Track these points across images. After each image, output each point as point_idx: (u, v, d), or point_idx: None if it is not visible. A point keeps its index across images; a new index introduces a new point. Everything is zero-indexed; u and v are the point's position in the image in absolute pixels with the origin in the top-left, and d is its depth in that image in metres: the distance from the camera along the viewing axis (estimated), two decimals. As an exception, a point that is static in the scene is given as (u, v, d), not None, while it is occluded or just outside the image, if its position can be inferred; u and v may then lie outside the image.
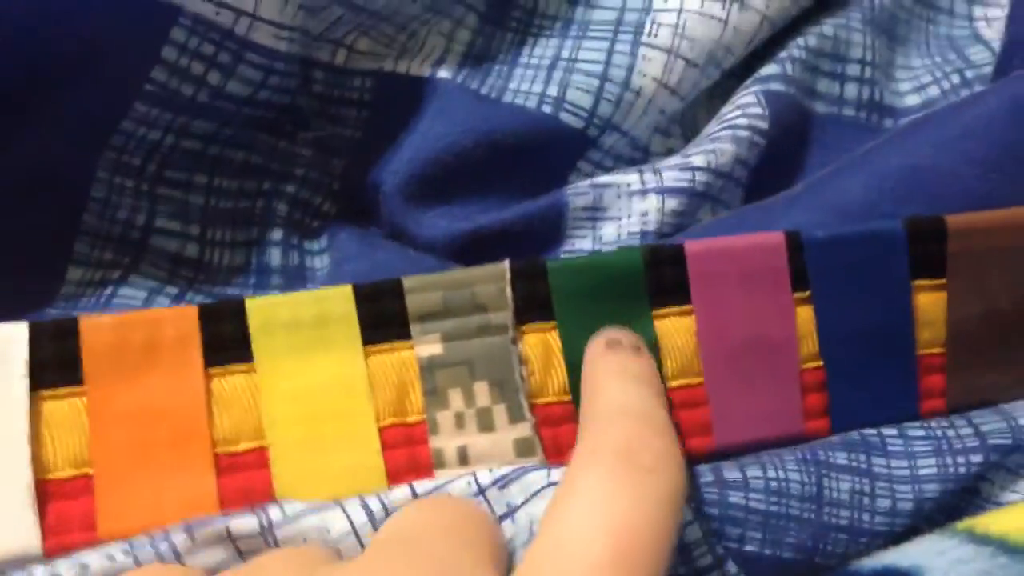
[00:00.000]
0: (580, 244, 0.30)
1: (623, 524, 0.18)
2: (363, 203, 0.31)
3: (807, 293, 0.25)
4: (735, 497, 0.24)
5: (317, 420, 0.23)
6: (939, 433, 0.26)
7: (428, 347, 0.24)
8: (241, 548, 0.22)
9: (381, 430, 0.24)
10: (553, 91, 0.31)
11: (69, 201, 0.28)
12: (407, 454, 0.24)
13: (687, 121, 0.34)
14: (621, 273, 0.25)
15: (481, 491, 0.23)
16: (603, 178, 0.31)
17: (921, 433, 0.26)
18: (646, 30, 0.32)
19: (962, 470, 0.25)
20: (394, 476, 0.24)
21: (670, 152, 0.33)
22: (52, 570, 0.21)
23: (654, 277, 0.25)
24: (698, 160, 0.30)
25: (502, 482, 0.23)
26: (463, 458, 0.24)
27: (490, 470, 0.23)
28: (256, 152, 0.31)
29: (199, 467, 0.23)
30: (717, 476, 0.24)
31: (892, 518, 0.25)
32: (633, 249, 0.25)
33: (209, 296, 0.29)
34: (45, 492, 0.22)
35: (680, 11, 0.32)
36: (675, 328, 0.25)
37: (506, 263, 0.24)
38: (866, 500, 0.24)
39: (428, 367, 0.24)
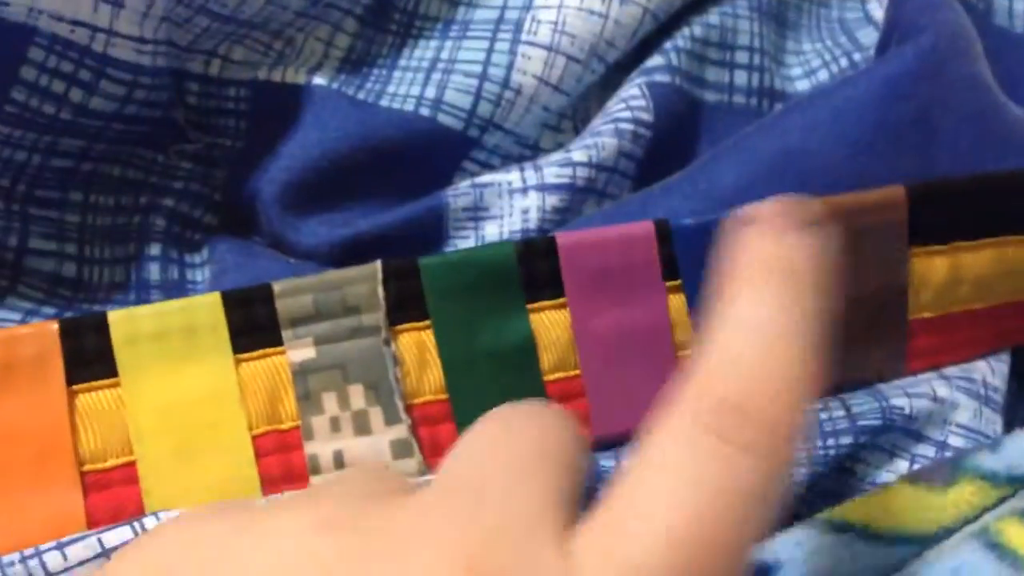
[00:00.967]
0: (463, 244, 0.31)
1: (720, 497, 0.16)
2: (244, 214, 0.32)
3: (678, 281, 0.26)
4: None
5: (187, 431, 0.24)
6: (812, 417, 0.27)
7: (300, 352, 0.25)
8: None
9: (254, 438, 0.24)
10: (431, 93, 0.32)
11: None
12: (281, 461, 0.24)
13: (579, 115, 0.35)
14: (494, 268, 0.26)
15: None
16: (484, 177, 0.32)
17: None
18: (525, 28, 0.32)
19: (831, 452, 0.26)
20: (268, 485, 0.24)
21: (561, 147, 0.34)
22: None
23: (527, 271, 0.26)
24: (579, 155, 0.31)
25: None
26: (339, 462, 0.25)
27: None
28: (133, 167, 0.31)
29: (65, 486, 0.23)
30: (591, 467, 0.25)
31: None
32: (505, 243, 0.26)
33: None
34: None
35: (560, 7, 0.32)
36: (550, 321, 0.26)
37: (377, 263, 0.25)
38: None
39: (301, 372, 0.25)
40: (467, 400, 0.25)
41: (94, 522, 0.23)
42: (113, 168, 0.31)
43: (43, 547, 0.22)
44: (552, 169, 0.31)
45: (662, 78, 0.33)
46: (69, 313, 0.29)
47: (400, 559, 0.16)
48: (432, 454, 0.25)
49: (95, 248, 0.30)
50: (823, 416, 0.27)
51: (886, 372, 0.28)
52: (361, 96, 0.32)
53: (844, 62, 0.36)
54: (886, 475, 0.27)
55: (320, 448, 0.25)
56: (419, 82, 0.32)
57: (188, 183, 0.32)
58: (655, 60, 0.34)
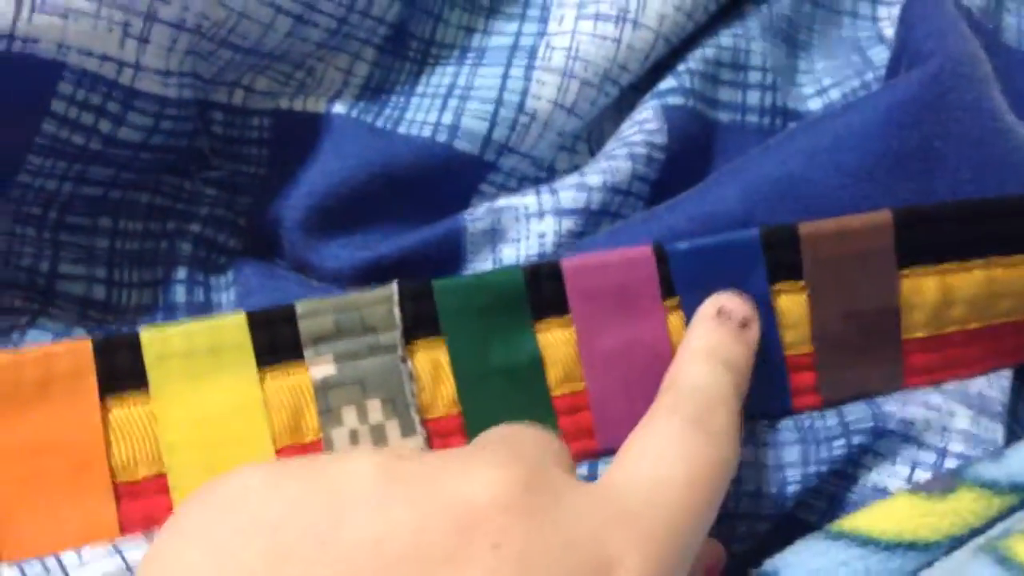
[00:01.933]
0: (481, 267, 0.33)
1: (695, 456, 0.23)
2: (268, 238, 0.34)
3: (676, 300, 0.28)
4: None
5: (215, 445, 0.26)
6: (807, 424, 0.28)
7: (322, 368, 0.27)
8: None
9: (278, 451, 0.26)
10: (448, 119, 0.33)
11: None
12: None
13: (594, 137, 0.36)
14: (504, 290, 0.28)
15: None
16: (501, 201, 0.33)
17: (790, 424, 0.28)
18: (540, 54, 0.34)
19: (824, 455, 0.28)
20: None
21: (576, 168, 0.35)
22: None
23: (535, 293, 0.28)
24: (593, 179, 0.33)
25: None
26: None
27: None
28: (160, 194, 0.33)
29: (98, 495, 0.25)
30: (592, 474, 0.27)
31: (757, 500, 0.27)
32: (514, 268, 0.28)
33: (118, 336, 0.32)
34: None
35: (573, 33, 0.34)
36: (557, 339, 0.28)
37: (394, 285, 0.27)
38: (731, 486, 0.26)
39: (322, 387, 0.27)
40: (479, 413, 0.27)
41: (126, 530, 0.25)
42: (141, 195, 0.33)
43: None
44: (568, 193, 0.33)
45: (675, 100, 0.35)
46: (99, 334, 0.31)
47: (466, 472, 0.21)
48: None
49: (124, 272, 0.33)
50: (817, 424, 0.28)
51: (884, 390, 0.29)
52: (380, 124, 0.34)
53: (856, 82, 0.38)
54: (888, 480, 0.28)
55: (340, 460, 0.26)
56: (436, 108, 0.34)
57: (213, 209, 0.34)
58: (668, 83, 0.35)
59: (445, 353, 0.27)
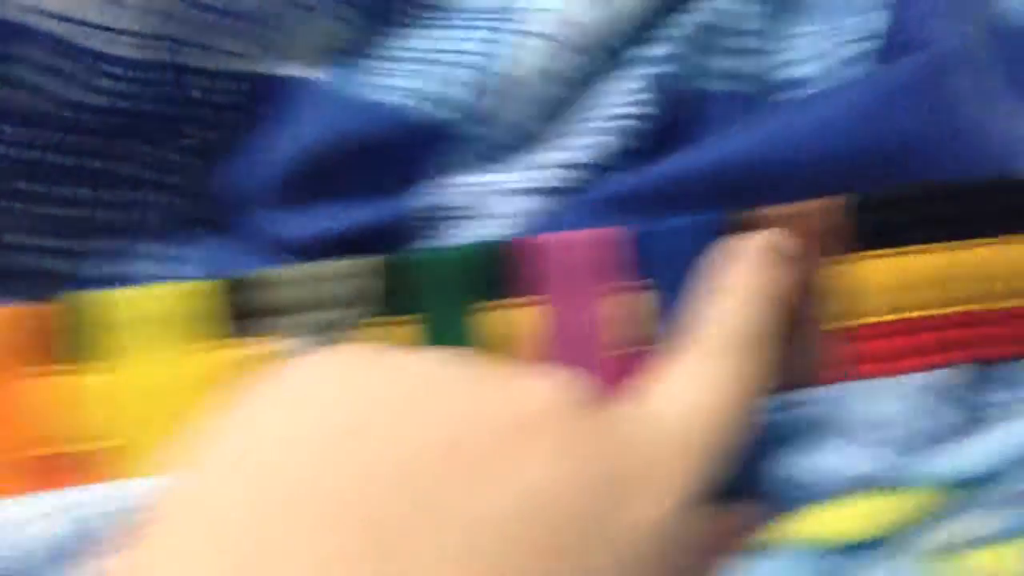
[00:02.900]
0: (455, 242, 0.32)
1: (720, 389, 0.26)
2: (237, 209, 0.34)
3: (643, 281, 0.29)
4: None
5: (177, 415, 0.26)
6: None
7: (291, 340, 0.27)
8: None
9: None
10: (424, 85, 0.33)
11: None
12: None
13: (580, 106, 0.36)
14: (470, 266, 0.28)
15: None
16: (477, 176, 0.33)
17: None
18: (527, 17, 0.34)
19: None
20: None
21: (557, 139, 0.35)
22: None
23: (501, 270, 0.28)
24: (578, 154, 0.33)
25: None
26: None
27: None
28: (128, 161, 0.33)
29: (52, 464, 0.25)
30: None
31: None
32: (487, 242, 0.29)
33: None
34: None
35: None
36: (522, 318, 0.28)
37: (364, 258, 0.27)
38: None
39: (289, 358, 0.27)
40: None
41: None
42: (108, 163, 0.33)
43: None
44: (548, 168, 0.33)
45: (666, 68, 0.35)
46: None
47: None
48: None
49: (88, 242, 0.33)
50: None
51: (836, 375, 0.30)
52: (352, 90, 0.34)
53: (854, 48, 0.37)
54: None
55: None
56: (413, 75, 0.34)
57: (182, 177, 0.34)
58: (657, 50, 0.35)
59: (419, 328, 0.28)
